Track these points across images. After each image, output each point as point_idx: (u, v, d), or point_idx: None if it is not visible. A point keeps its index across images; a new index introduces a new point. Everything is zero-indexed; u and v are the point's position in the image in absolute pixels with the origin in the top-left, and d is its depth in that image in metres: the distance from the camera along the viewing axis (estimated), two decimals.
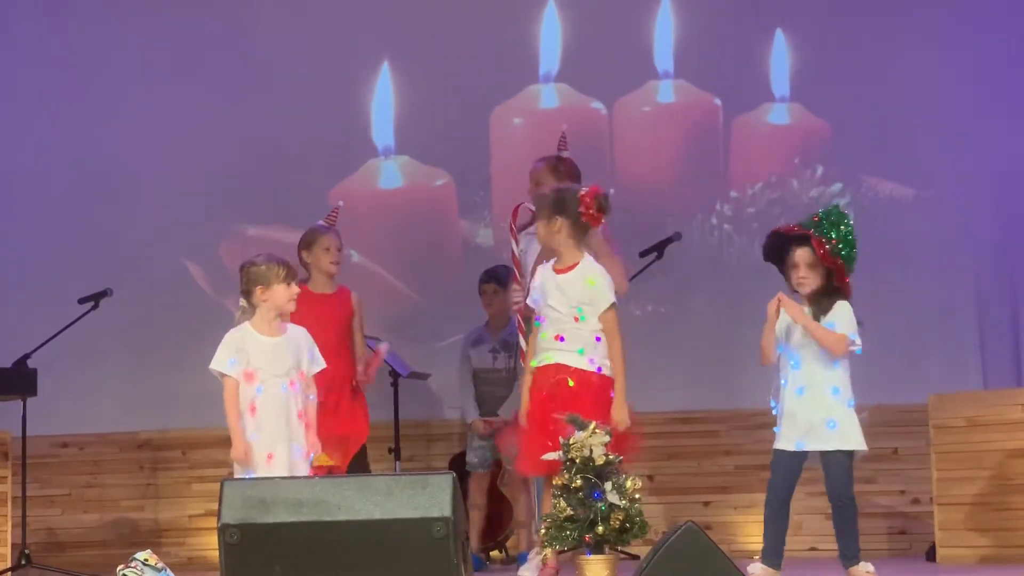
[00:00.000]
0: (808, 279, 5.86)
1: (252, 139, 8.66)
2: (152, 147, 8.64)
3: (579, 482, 5.12)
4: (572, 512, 5.12)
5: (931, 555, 7.35)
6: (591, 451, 5.16)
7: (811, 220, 5.90)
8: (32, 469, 7.72)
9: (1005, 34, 8.43)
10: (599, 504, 5.09)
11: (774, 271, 8.50)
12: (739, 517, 8.11)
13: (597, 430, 5.24)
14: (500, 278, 7.75)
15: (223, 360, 5.82)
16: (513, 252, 6.60)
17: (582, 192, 5.94)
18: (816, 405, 5.81)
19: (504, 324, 7.75)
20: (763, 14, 8.60)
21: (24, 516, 7.37)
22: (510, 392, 7.64)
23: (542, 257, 6.19)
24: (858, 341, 5.85)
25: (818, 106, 8.62)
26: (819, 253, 5.80)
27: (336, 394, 6.79)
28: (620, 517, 5.10)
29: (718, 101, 8.68)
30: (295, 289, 5.89)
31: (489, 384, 7.74)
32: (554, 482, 5.28)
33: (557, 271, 5.99)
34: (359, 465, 6.97)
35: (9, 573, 7.18)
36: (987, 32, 8.43)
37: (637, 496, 5.19)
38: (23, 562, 7.17)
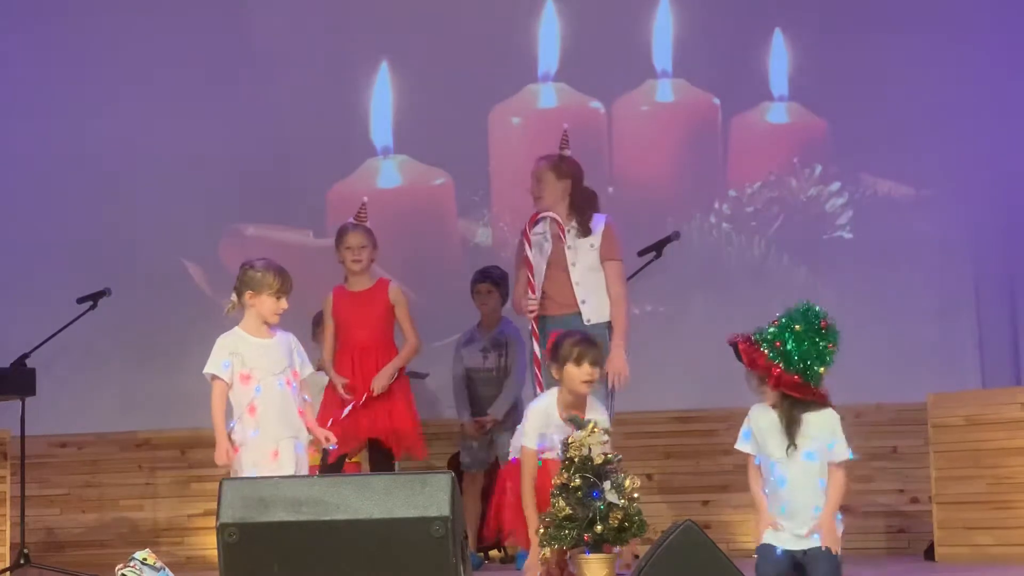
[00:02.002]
0: (765, 390, 5.65)
1: (251, 139, 8.66)
2: (151, 147, 8.64)
3: (578, 481, 5.13)
4: (571, 511, 5.12)
5: (930, 554, 7.36)
6: (590, 450, 5.16)
7: (770, 324, 5.64)
8: (31, 469, 7.71)
9: (1004, 33, 8.43)
10: (598, 503, 5.09)
11: (772, 272, 8.61)
12: (738, 516, 8.12)
13: (595, 429, 5.24)
14: (495, 278, 7.76)
15: (217, 363, 5.83)
16: (527, 258, 6.60)
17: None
18: (802, 521, 5.62)
19: (496, 323, 7.75)
20: (761, 13, 8.60)
21: (23, 516, 7.37)
22: (500, 391, 7.65)
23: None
24: (851, 454, 5.65)
25: (817, 105, 8.62)
26: (745, 360, 5.59)
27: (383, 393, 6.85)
28: (619, 516, 5.10)
29: (717, 100, 8.68)
30: (283, 304, 5.90)
31: (479, 384, 7.74)
32: (553, 481, 5.28)
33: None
34: (386, 463, 6.95)
35: (8, 573, 7.18)
36: (986, 31, 8.43)
37: (636, 495, 5.19)
38: (22, 562, 7.16)
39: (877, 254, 8.45)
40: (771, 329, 5.58)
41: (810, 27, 8.59)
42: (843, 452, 5.61)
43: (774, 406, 5.64)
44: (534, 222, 6.64)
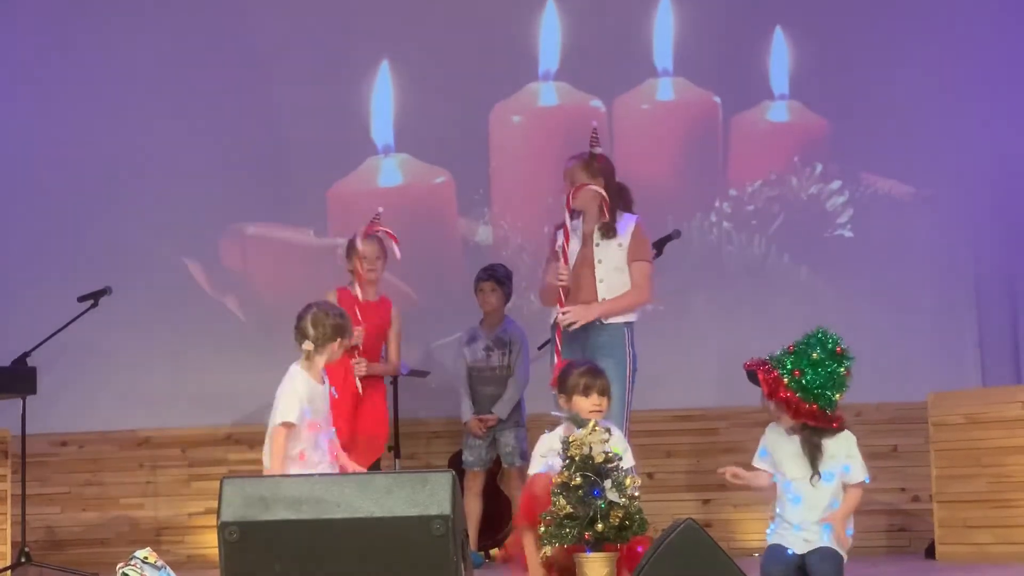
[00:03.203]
0: (782, 416, 5.63)
1: (251, 137, 8.67)
2: (152, 145, 8.64)
3: (578, 480, 5.12)
4: (572, 510, 5.12)
5: (930, 552, 7.36)
6: (590, 449, 5.16)
7: (785, 350, 5.62)
8: (32, 467, 7.72)
9: (1005, 33, 8.43)
10: (598, 502, 5.09)
11: (773, 270, 8.60)
12: (738, 515, 8.12)
13: (596, 428, 5.24)
14: (499, 276, 7.76)
15: (297, 411, 5.66)
16: (566, 227, 6.58)
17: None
18: (814, 532, 5.61)
19: (499, 322, 7.76)
20: (762, 12, 8.60)
21: (24, 514, 7.37)
22: (502, 389, 7.65)
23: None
24: (867, 476, 5.65)
25: (817, 104, 8.62)
26: (764, 389, 5.57)
27: (364, 397, 6.94)
28: (619, 515, 5.09)
29: (717, 99, 8.68)
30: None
31: (483, 382, 7.74)
32: (553, 480, 5.27)
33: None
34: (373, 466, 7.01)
35: (9, 571, 7.18)
36: (986, 30, 8.43)
37: (636, 494, 5.19)
38: (23, 560, 7.17)
39: (878, 253, 8.45)
40: (789, 358, 5.57)
41: (811, 26, 8.59)
42: (859, 475, 5.62)
43: (791, 431, 5.66)
44: (569, 208, 6.58)
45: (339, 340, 5.81)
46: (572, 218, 6.64)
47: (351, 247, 7.12)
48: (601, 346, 6.48)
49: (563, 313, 6.46)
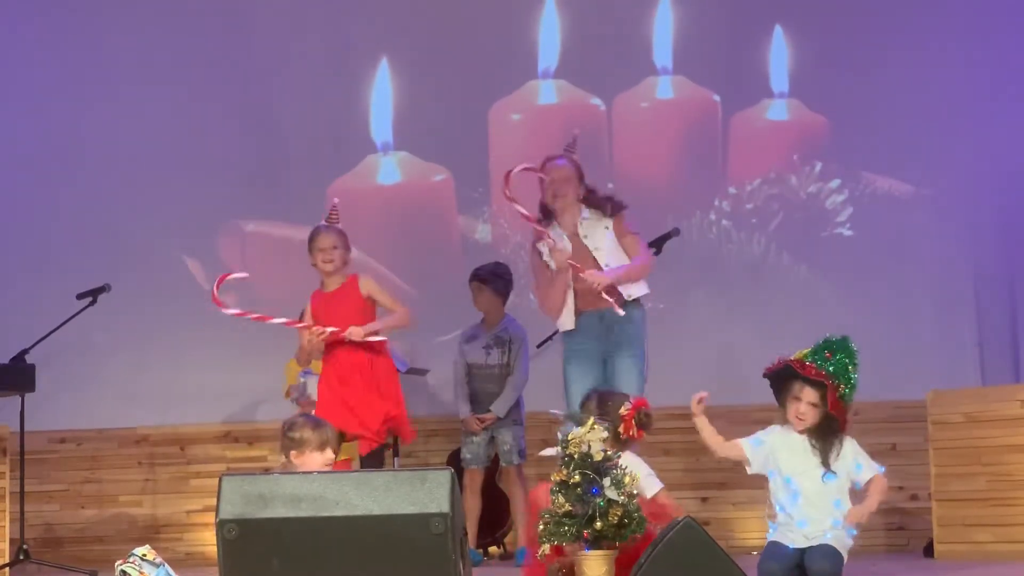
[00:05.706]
0: (808, 417, 5.65)
1: (251, 134, 8.67)
2: (150, 142, 8.64)
3: (577, 478, 5.12)
4: (570, 508, 5.11)
5: (929, 551, 7.36)
6: (589, 447, 5.16)
7: (823, 356, 5.62)
8: (30, 464, 7.71)
9: (1004, 31, 8.43)
10: (597, 500, 5.09)
11: (772, 269, 8.59)
12: (737, 513, 8.12)
13: (595, 426, 5.23)
14: (481, 276, 7.71)
15: None
16: (522, 213, 6.68)
17: (623, 412, 5.86)
18: (818, 530, 5.62)
19: (498, 320, 7.75)
20: (762, 10, 8.60)
21: (22, 511, 7.37)
22: (501, 388, 7.64)
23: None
24: (880, 468, 5.70)
25: (817, 102, 8.62)
26: (830, 401, 5.59)
27: (356, 384, 6.74)
28: (618, 513, 5.09)
29: (717, 97, 8.68)
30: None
31: (482, 380, 7.72)
32: (552, 478, 5.27)
33: None
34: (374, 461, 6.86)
35: (7, 568, 7.18)
36: (986, 29, 8.43)
37: (635, 492, 5.18)
38: (21, 557, 7.17)
39: (877, 251, 8.45)
40: (841, 371, 5.60)
41: (810, 24, 8.59)
42: (873, 469, 5.66)
43: (804, 432, 5.67)
44: (508, 182, 6.64)
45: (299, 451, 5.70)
46: (546, 220, 6.76)
47: (310, 241, 6.83)
48: (620, 342, 6.62)
49: (585, 275, 6.53)
